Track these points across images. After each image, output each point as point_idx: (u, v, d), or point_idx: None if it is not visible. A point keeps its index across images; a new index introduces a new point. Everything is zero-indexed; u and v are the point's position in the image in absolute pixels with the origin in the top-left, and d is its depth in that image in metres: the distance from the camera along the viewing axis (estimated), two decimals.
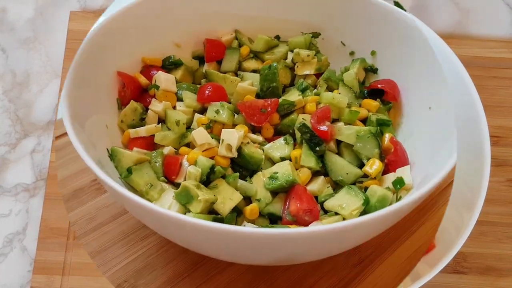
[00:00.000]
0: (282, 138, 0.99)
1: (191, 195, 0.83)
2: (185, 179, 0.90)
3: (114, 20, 1.01)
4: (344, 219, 0.87)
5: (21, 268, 1.08)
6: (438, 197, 1.09)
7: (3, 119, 1.28)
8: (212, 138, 0.96)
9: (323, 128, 0.94)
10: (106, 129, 0.96)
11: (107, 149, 0.92)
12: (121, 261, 0.95)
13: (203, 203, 0.82)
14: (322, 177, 0.95)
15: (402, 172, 0.90)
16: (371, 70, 1.14)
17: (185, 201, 0.84)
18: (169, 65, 1.13)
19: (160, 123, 1.02)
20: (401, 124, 1.06)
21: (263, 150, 0.98)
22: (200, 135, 0.93)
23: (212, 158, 0.94)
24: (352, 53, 1.19)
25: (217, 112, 0.99)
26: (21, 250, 1.10)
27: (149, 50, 1.12)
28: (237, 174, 0.90)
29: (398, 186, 0.87)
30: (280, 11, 1.21)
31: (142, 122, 1.02)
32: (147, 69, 1.09)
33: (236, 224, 0.90)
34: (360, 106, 1.06)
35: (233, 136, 0.93)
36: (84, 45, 0.93)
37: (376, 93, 1.10)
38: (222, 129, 0.95)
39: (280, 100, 1.03)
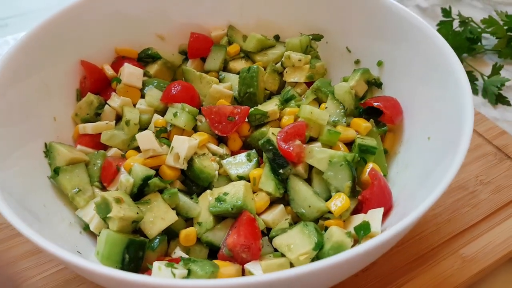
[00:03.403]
0: (244, 154, 0.84)
1: (109, 209, 0.71)
2: (117, 189, 0.79)
3: (83, 2, 0.92)
4: (291, 263, 0.70)
5: None
6: (437, 250, 0.87)
7: None
8: (166, 144, 0.84)
9: (287, 147, 0.77)
10: (53, 121, 0.87)
11: (45, 144, 0.83)
12: (52, 268, 0.86)
13: (118, 221, 0.69)
14: (282, 206, 0.79)
15: (372, 215, 0.71)
16: (375, 83, 0.95)
17: (104, 214, 0.72)
18: (146, 57, 1.02)
19: (115, 122, 0.91)
20: (398, 153, 0.86)
21: (221, 165, 0.84)
22: (144, 139, 0.81)
23: (157, 167, 0.81)
24: (357, 62, 1.01)
25: (175, 115, 0.86)
26: None
27: (126, 40, 1.02)
28: (176, 190, 0.77)
29: (362, 232, 0.68)
30: (280, 7, 1.05)
31: (97, 117, 0.92)
32: (119, 60, 1.00)
33: (168, 248, 0.77)
34: (348, 125, 0.87)
35: (183, 144, 0.80)
36: (40, 25, 0.85)
37: (375, 112, 0.90)
38: (174, 136, 0.82)
39: (252, 109, 0.88)
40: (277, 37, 1.08)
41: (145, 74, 0.99)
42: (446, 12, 1.45)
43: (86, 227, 0.77)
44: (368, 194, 0.73)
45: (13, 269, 0.86)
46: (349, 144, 0.86)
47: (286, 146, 0.77)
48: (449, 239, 0.89)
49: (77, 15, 0.92)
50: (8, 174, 0.70)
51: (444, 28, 1.43)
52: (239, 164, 0.83)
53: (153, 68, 1.01)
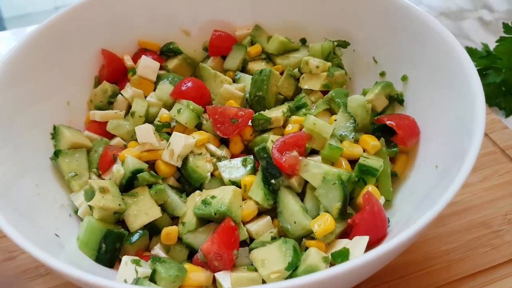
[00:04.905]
0: (241, 158, 0.81)
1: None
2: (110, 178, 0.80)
3: None
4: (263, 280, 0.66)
5: None
6: None
7: None
8: (166, 140, 0.83)
9: (280, 157, 0.73)
10: (66, 106, 0.90)
11: (54, 126, 0.86)
12: None
13: (98, 211, 0.70)
14: (268, 218, 0.75)
15: (356, 243, 0.64)
16: (397, 99, 0.88)
17: (89, 201, 0.73)
18: (168, 51, 1.03)
19: (124, 112, 0.93)
20: (408, 178, 0.79)
21: (216, 167, 0.82)
22: (143, 132, 0.81)
23: (153, 162, 0.81)
24: (382, 74, 0.93)
25: (179, 111, 0.85)
26: None
27: (152, 33, 1.03)
28: (162, 187, 0.76)
29: (340, 259, 0.62)
30: (310, 10, 1.01)
31: (110, 106, 0.94)
32: (141, 52, 1.01)
33: (149, 243, 0.77)
34: (357, 142, 0.81)
35: (179, 142, 0.79)
36: (66, 11, 0.88)
37: (390, 130, 0.83)
38: (173, 132, 0.82)
39: (256, 113, 0.84)
40: (303, 41, 1.04)
41: (164, 68, 1.00)
42: (508, 28, 1.30)
43: (76, 211, 0.79)
44: (357, 219, 0.68)
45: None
46: (355, 162, 0.80)
47: (279, 156, 0.73)
48: (458, 279, 0.80)
49: (105, 4, 0.94)
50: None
51: (504, 45, 1.28)
52: (234, 168, 0.80)
53: (172, 63, 1.01)
